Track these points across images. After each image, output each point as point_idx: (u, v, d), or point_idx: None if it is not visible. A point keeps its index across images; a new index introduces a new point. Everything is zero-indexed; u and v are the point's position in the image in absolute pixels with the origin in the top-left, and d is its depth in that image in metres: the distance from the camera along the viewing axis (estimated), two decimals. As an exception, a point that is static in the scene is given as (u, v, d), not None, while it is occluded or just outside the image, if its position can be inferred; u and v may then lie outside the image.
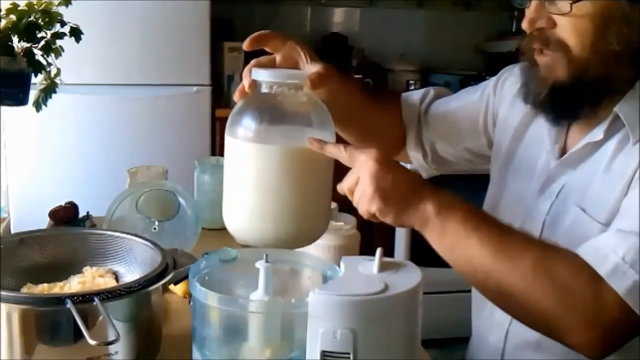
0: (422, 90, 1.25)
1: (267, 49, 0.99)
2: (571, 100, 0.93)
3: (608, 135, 0.93)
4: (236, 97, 0.92)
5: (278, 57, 0.99)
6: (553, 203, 0.99)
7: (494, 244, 0.84)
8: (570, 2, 0.88)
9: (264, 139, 0.87)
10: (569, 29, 0.90)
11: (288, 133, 0.89)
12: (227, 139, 0.90)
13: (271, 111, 0.90)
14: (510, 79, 1.14)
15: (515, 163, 1.10)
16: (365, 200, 0.86)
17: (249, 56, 0.96)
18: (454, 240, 0.85)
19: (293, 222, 0.88)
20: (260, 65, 0.95)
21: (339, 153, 0.88)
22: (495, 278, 0.84)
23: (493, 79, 1.19)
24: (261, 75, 0.89)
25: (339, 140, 1.17)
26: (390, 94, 1.29)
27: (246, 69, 0.93)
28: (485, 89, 1.19)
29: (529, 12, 0.92)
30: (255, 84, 0.90)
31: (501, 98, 1.16)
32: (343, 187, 0.89)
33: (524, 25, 0.93)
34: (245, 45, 0.97)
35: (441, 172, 1.28)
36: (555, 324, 0.83)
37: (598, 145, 0.94)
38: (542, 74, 0.94)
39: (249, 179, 0.88)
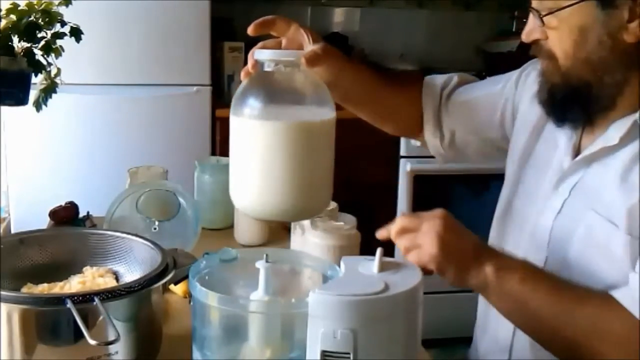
0: (445, 76, 1.25)
1: (272, 33, 1.02)
2: (565, 104, 0.97)
3: (624, 141, 0.92)
4: (242, 76, 0.95)
5: (284, 41, 1.02)
6: (565, 200, 0.99)
7: (553, 305, 0.87)
8: (540, 16, 0.93)
9: (267, 116, 0.88)
10: (554, 39, 0.95)
11: (289, 109, 0.91)
12: (232, 118, 0.91)
13: (272, 89, 0.93)
14: (533, 74, 1.13)
15: (532, 159, 1.10)
16: (424, 255, 0.87)
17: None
18: (514, 304, 0.89)
19: (298, 195, 0.89)
20: (265, 48, 0.98)
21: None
22: (560, 336, 0.87)
23: (517, 72, 1.19)
24: (261, 55, 0.92)
25: (357, 120, 1.19)
26: (412, 75, 1.30)
27: (251, 51, 0.95)
28: (508, 81, 1.19)
29: (526, 25, 0.98)
30: (257, 64, 0.92)
31: (523, 92, 1.15)
32: (401, 241, 0.89)
33: (522, 36, 0.99)
34: (250, 30, 0.99)
35: (456, 161, 1.30)
36: None
37: (613, 149, 0.94)
38: (543, 78, 0.99)
39: (254, 156, 0.89)
